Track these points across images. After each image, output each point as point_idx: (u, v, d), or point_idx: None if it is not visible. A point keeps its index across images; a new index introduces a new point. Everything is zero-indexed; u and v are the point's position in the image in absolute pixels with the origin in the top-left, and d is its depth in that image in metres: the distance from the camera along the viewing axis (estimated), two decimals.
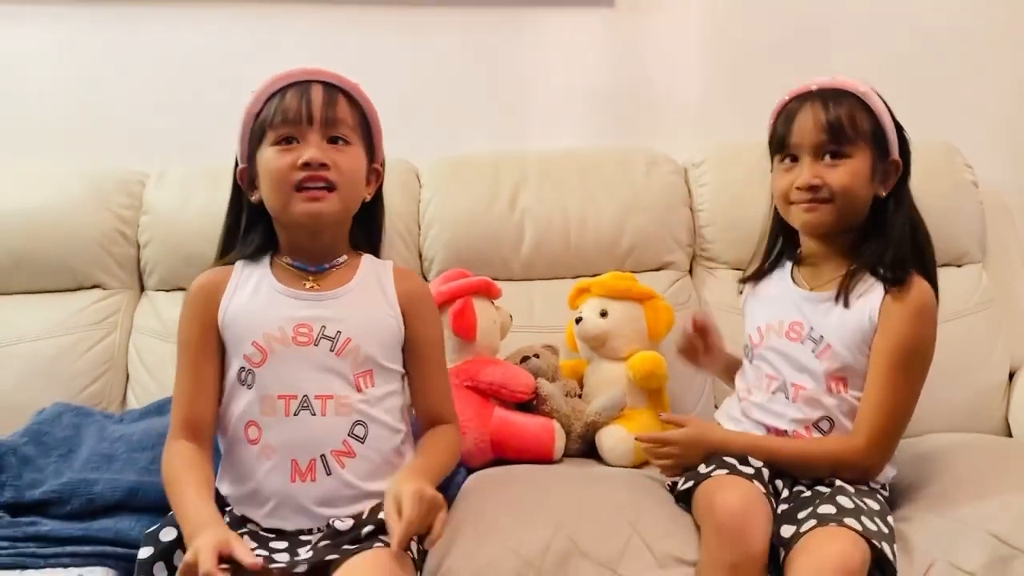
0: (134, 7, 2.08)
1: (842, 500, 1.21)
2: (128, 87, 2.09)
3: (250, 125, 1.23)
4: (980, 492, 1.31)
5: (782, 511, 1.24)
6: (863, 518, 1.18)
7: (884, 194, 1.34)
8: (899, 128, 1.35)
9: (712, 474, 1.27)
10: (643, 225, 1.91)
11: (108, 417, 1.65)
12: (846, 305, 1.32)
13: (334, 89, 1.22)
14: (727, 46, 2.17)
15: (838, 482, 1.28)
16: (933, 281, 1.36)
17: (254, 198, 1.24)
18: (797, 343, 1.35)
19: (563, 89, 2.15)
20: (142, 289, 1.94)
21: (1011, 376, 1.85)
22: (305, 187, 1.18)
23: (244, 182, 1.26)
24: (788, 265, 1.44)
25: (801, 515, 1.20)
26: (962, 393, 1.80)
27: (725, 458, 1.29)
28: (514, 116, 2.15)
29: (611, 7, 2.14)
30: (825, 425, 1.32)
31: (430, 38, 2.13)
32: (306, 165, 1.17)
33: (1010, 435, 1.79)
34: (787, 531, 1.19)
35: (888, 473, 1.34)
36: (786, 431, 1.33)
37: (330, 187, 1.18)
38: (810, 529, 1.16)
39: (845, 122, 1.31)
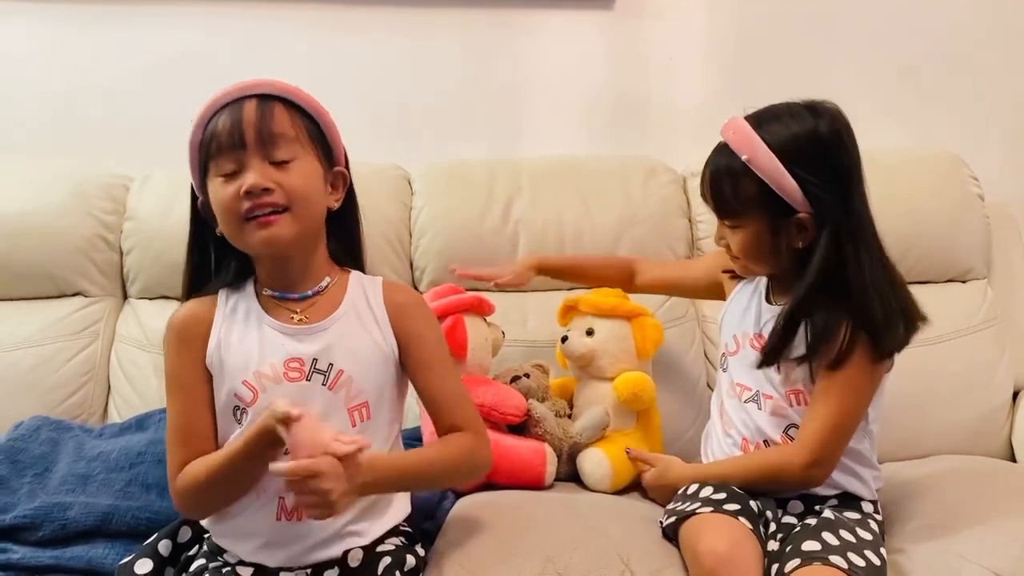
0: (120, 5, 2.03)
1: (827, 536, 1.17)
2: (113, 88, 2.04)
3: (195, 156, 1.15)
4: (981, 524, 1.28)
5: (774, 549, 1.21)
6: (850, 554, 1.14)
7: (801, 246, 1.26)
8: (811, 182, 1.23)
9: (696, 512, 1.23)
10: (640, 237, 1.86)
11: (87, 432, 1.60)
12: (778, 370, 1.31)
13: (269, 100, 1.13)
14: (728, 51, 2.13)
15: (827, 512, 1.24)
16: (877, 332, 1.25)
17: (219, 231, 1.16)
18: (759, 354, 1.33)
19: (560, 94, 2.11)
20: (125, 297, 1.90)
21: (1015, 396, 1.81)
22: (254, 216, 1.10)
23: (207, 214, 1.17)
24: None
25: (787, 551, 1.17)
26: (965, 413, 1.76)
27: (711, 495, 1.25)
28: (509, 121, 2.10)
29: (610, 10, 2.09)
30: (795, 432, 1.30)
31: (423, 40, 2.07)
32: (248, 193, 1.09)
33: (1013, 457, 1.75)
34: (774, 569, 1.15)
35: (873, 486, 1.32)
36: (762, 443, 1.32)
37: (280, 210, 1.11)
38: (794, 569, 1.13)
39: (727, 194, 1.28)
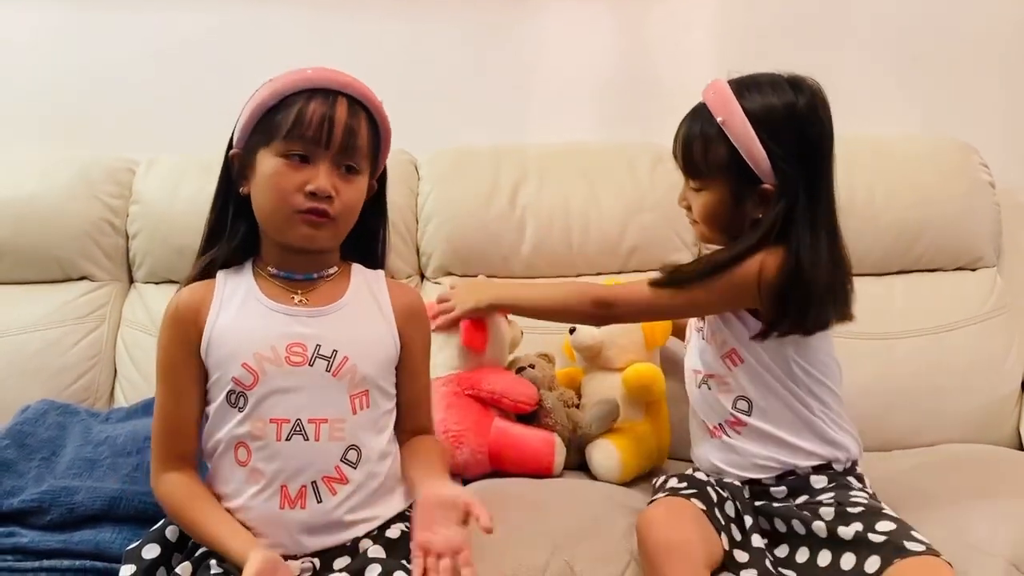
0: None
1: (883, 525, 1.14)
2: (118, 72, 2.04)
3: (257, 117, 1.13)
4: (993, 515, 1.27)
5: (783, 530, 1.21)
6: (913, 533, 1.12)
7: (760, 217, 1.25)
8: (780, 155, 1.22)
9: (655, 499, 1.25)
10: (648, 223, 1.85)
11: (94, 416, 1.60)
12: (709, 340, 1.33)
13: (358, 107, 1.14)
14: (738, 35, 2.11)
15: (854, 496, 1.22)
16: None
17: (243, 190, 1.16)
18: (698, 335, 1.36)
19: (567, 79, 2.09)
20: (131, 281, 1.90)
21: None
22: (306, 212, 1.11)
23: (236, 170, 1.16)
24: None
25: (848, 535, 1.13)
26: (973, 402, 1.75)
27: (676, 484, 1.27)
28: (516, 107, 2.09)
29: None
30: (743, 405, 1.29)
31: (430, 24, 2.06)
32: (312, 194, 1.10)
33: (1021, 446, 1.74)
34: (824, 559, 1.14)
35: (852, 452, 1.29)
36: (720, 424, 1.31)
37: (330, 216, 1.12)
38: (881, 569, 1.09)
39: (696, 155, 1.28)
